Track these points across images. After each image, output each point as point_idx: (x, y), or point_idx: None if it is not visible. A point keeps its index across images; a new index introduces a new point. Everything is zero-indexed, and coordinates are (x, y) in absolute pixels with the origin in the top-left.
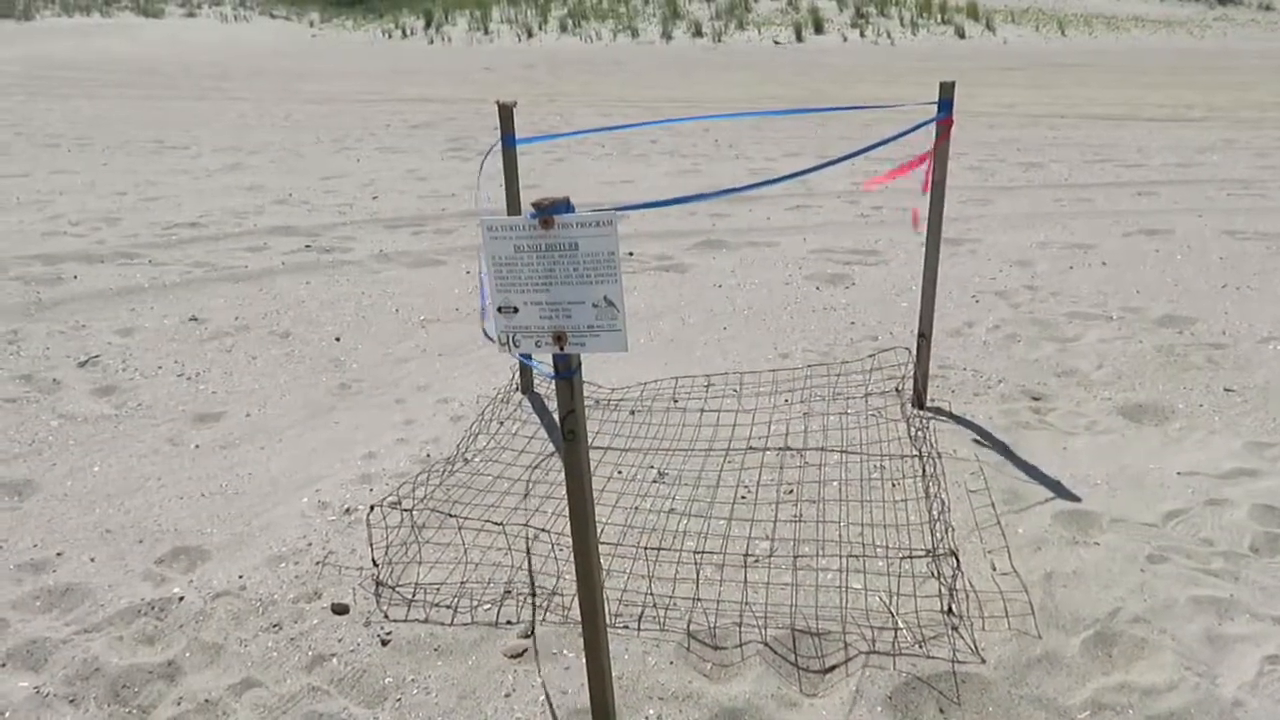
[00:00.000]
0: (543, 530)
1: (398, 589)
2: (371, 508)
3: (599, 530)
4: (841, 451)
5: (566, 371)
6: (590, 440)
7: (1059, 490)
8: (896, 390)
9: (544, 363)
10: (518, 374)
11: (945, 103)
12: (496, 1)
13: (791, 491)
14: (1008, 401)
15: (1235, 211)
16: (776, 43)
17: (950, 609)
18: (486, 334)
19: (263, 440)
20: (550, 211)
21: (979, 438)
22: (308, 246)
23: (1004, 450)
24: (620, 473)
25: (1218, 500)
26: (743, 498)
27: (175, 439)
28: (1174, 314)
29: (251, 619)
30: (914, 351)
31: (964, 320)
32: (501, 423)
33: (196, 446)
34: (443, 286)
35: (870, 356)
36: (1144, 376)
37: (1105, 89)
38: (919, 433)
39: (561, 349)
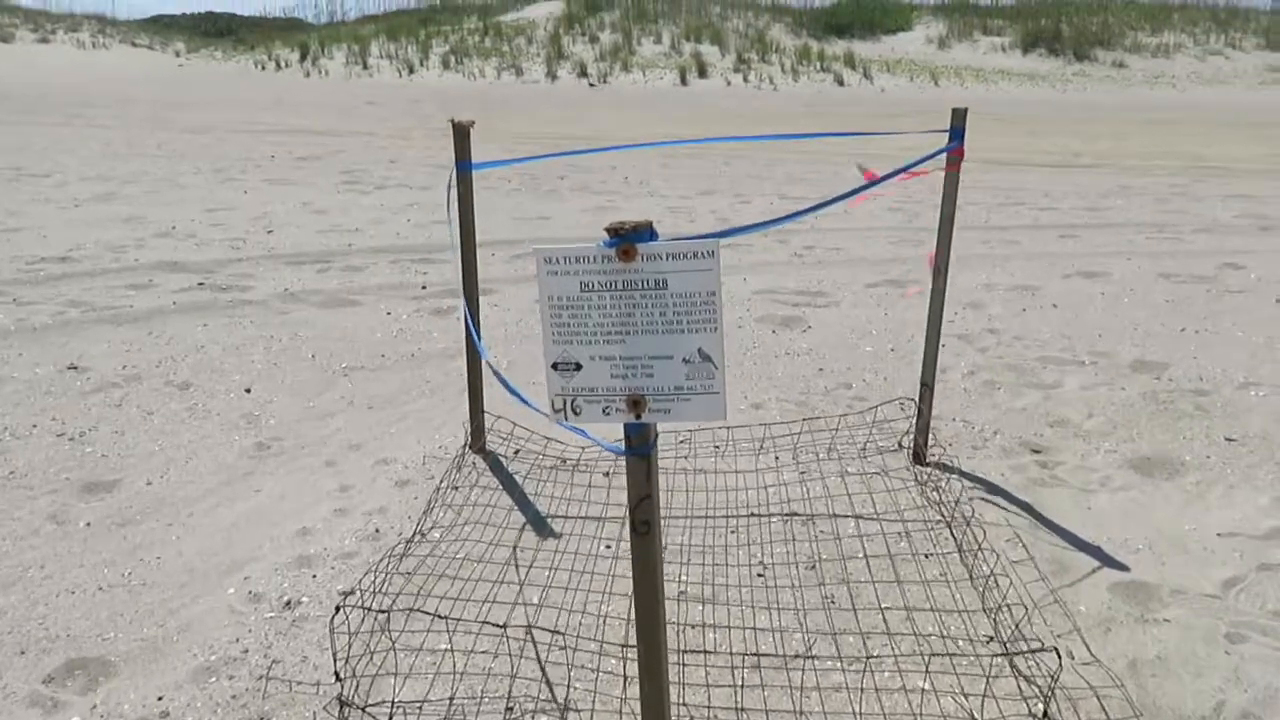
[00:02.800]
0: (555, 632)
1: (369, 710)
2: (337, 609)
3: (600, 624)
4: (856, 518)
5: (642, 447)
6: (563, 508)
7: (1103, 558)
8: (899, 445)
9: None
10: (468, 430)
11: (957, 131)
12: (375, 36)
13: (814, 568)
14: (1011, 456)
15: (1160, 255)
16: (682, 83)
17: (1046, 712)
18: (498, 377)
19: (170, 514)
20: (631, 239)
21: (997, 498)
22: (201, 284)
23: (1029, 511)
24: (609, 548)
25: (1270, 565)
26: (759, 575)
27: (60, 515)
28: (1144, 359)
29: None
30: (913, 403)
31: (938, 367)
32: (457, 488)
33: (87, 524)
34: (361, 329)
35: (872, 409)
36: (1139, 426)
37: (993, 136)
38: (934, 492)
39: (638, 417)
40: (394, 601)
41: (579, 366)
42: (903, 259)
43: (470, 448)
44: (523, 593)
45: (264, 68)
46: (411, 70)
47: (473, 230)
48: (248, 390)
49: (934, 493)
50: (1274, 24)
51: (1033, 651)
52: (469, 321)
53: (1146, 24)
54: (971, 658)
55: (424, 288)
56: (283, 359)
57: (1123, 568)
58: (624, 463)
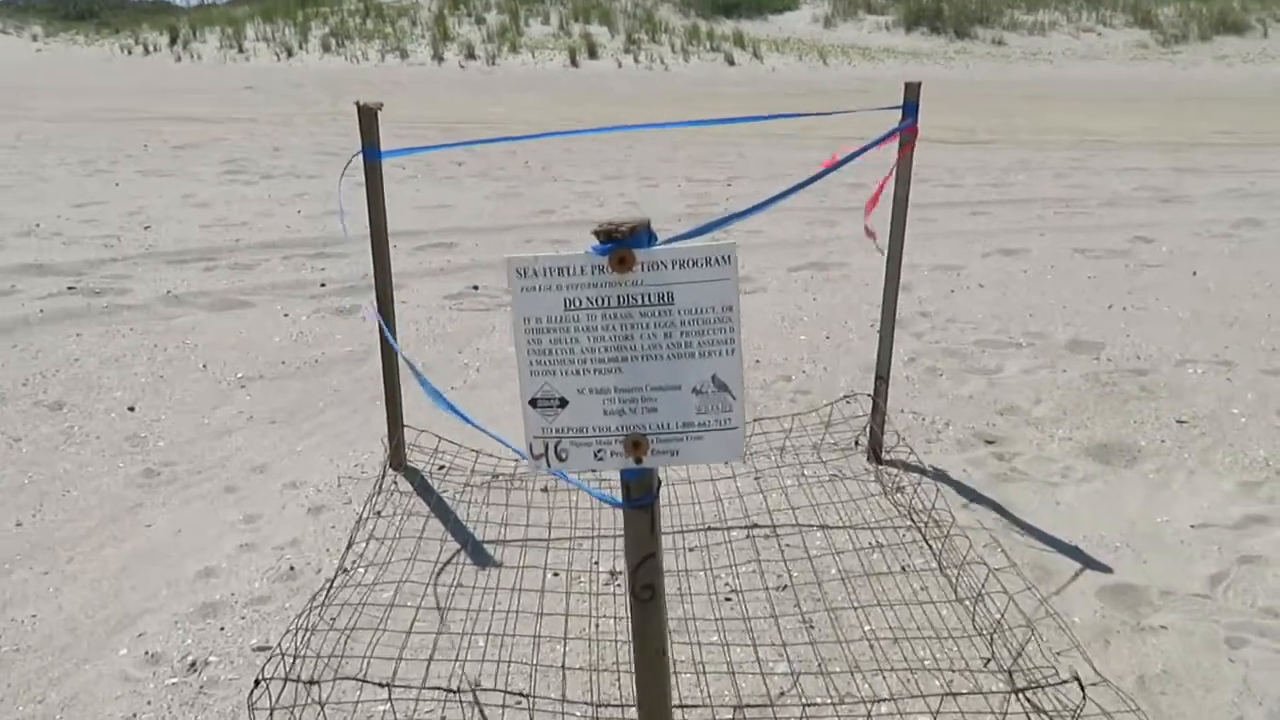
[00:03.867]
0: (510, 693)
1: None
2: (256, 682)
3: (560, 678)
4: (823, 528)
5: (643, 497)
6: (502, 533)
7: (1084, 559)
8: (856, 443)
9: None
10: (387, 446)
11: (910, 106)
12: (250, 18)
13: (784, 588)
14: (967, 449)
15: (1072, 230)
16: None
17: None
18: (433, 392)
19: (46, 561)
20: (628, 243)
21: (964, 499)
22: (71, 288)
23: (999, 511)
24: (557, 575)
25: (1250, 558)
26: (727, 599)
27: None
28: (1079, 339)
29: None
30: (868, 397)
31: (874, 354)
32: (380, 514)
33: None
34: (257, 334)
35: (828, 406)
36: (1089, 411)
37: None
38: (898, 494)
39: (639, 461)
40: (321, 665)
41: (564, 402)
42: (820, 240)
43: (390, 465)
44: (468, 643)
45: (131, 52)
46: (290, 53)
47: (384, 225)
48: (131, 408)
49: (898, 494)
50: (1140, 2)
51: (1052, 685)
52: (386, 331)
53: (1022, 2)
54: (983, 694)
55: (323, 285)
56: (169, 371)
57: (1106, 569)
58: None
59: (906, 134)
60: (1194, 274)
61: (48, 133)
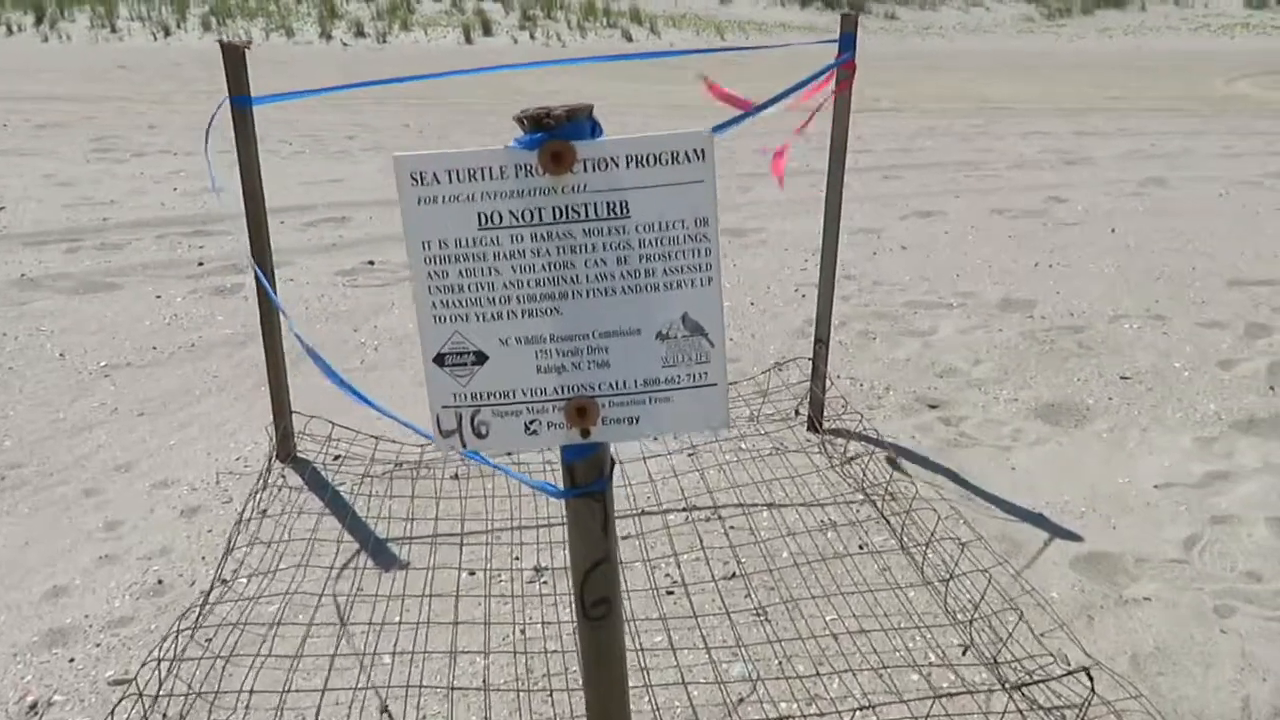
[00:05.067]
0: None
1: None
2: None
3: (483, 698)
4: (769, 507)
5: (594, 482)
6: (408, 529)
7: (1051, 528)
8: (796, 412)
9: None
10: (273, 436)
11: (847, 37)
12: None
13: (734, 576)
14: (910, 415)
15: (986, 192)
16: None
17: None
18: (319, 361)
19: None
20: (563, 133)
21: (917, 467)
22: None
23: (954, 479)
24: (474, 574)
25: (1221, 518)
26: (669, 592)
27: None
28: (1010, 297)
29: None
30: (808, 362)
31: (803, 319)
32: (265, 514)
33: None
34: (125, 318)
35: (762, 374)
36: (1029, 370)
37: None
38: (844, 466)
39: (586, 435)
40: (190, 702)
41: (481, 357)
42: (734, 205)
43: (277, 457)
44: (372, 664)
45: None
46: (168, 32)
47: (259, 180)
48: None
49: (847, 465)
50: None
51: (1056, 678)
52: (265, 284)
53: None
54: (974, 693)
55: (200, 264)
56: (20, 361)
57: (1075, 537)
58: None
59: (844, 69)
60: (1112, 231)
61: None
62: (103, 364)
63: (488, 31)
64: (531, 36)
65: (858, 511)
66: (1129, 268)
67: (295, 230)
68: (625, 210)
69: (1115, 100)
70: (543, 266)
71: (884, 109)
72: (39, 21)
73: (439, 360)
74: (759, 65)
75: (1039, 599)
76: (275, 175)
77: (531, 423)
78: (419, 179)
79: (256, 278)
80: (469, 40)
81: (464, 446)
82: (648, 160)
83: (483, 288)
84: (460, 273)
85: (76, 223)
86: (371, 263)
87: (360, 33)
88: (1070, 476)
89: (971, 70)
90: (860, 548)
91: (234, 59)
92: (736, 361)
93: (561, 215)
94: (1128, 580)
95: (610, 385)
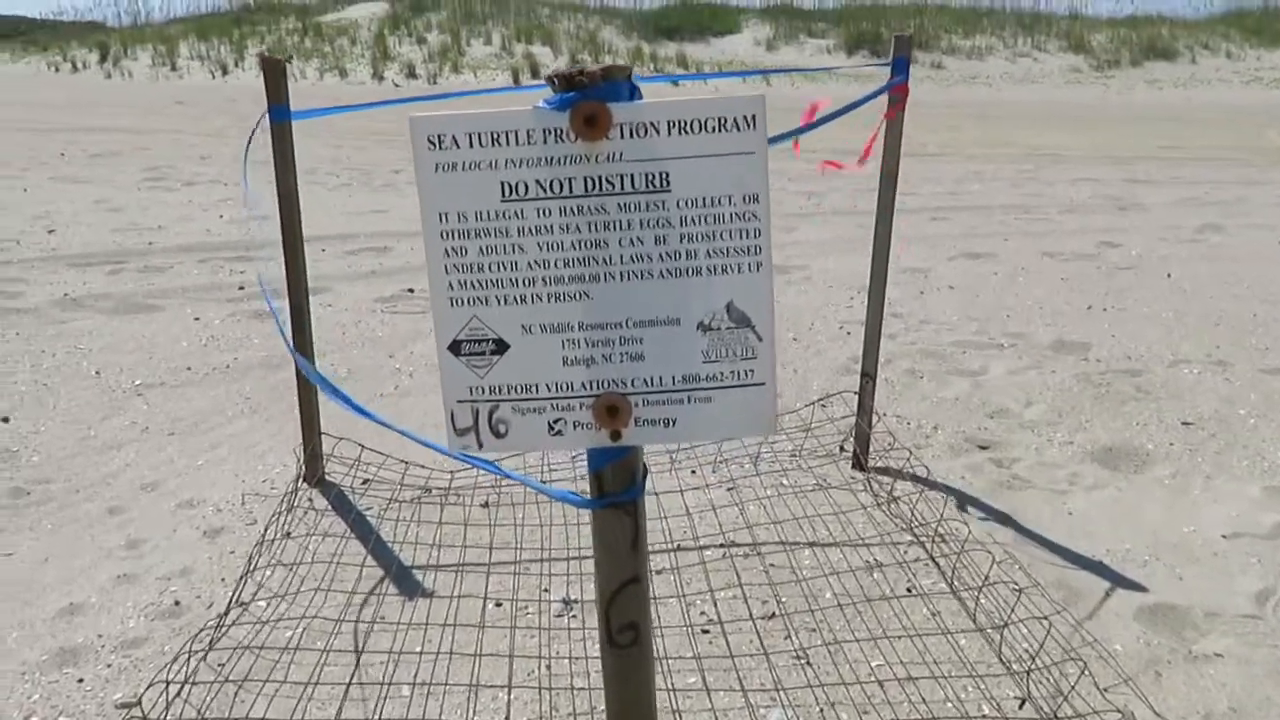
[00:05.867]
0: None
1: None
2: None
3: None
4: (811, 546)
5: (625, 490)
6: (433, 556)
7: (1112, 576)
8: (841, 449)
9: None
10: (302, 456)
11: (900, 62)
12: (184, 36)
13: (773, 616)
14: (960, 455)
15: (1036, 235)
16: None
17: None
18: (304, 370)
19: None
20: (598, 93)
21: (968, 508)
22: None
23: (1008, 523)
24: (500, 606)
25: None
26: (705, 630)
27: None
28: (1063, 339)
29: None
30: (854, 396)
31: (848, 356)
32: (290, 536)
33: None
34: (162, 338)
35: (806, 408)
36: (1085, 413)
37: (840, 129)
38: (891, 504)
39: (616, 438)
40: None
41: (502, 346)
42: (778, 244)
43: (305, 480)
44: (387, 694)
45: (58, 69)
46: (225, 71)
47: (295, 193)
48: (4, 419)
49: (891, 504)
50: (1073, 28)
51: None
52: (264, 290)
53: (959, 27)
54: None
55: (241, 288)
56: (56, 378)
57: (1139, 587)
58: (523, 493)
59: (896, 92)
60: (1168, 276)
61: None
62: (137, 383)
63: (536, 75)
64: None
65: (905, 552)
66: (1187, 312)
67: (336, 258)
68: (665, 183)
69: (1167, 149)
70: (572, 245)
71: (931, 153)
72: (103, 59)
73: (455, 348)
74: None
75: (1102, 651)
76: (320, 205)
77: (556, 421)
78: (436, 143)
79: (260, 282)
80: (517, 82)
81: (480, 447)
82: (692, 127)
83: (505, 267)
84: (480, 250)
85: (122, 246)
86: (411, 290)
87: (412, 74)
88: (1131, 523)
89: (1018, 118)
90: (908, 590)
91: (274, 71)
92: (779, 396)
93: (594, 187)
94: (1197, 635)
95: (645, 381)
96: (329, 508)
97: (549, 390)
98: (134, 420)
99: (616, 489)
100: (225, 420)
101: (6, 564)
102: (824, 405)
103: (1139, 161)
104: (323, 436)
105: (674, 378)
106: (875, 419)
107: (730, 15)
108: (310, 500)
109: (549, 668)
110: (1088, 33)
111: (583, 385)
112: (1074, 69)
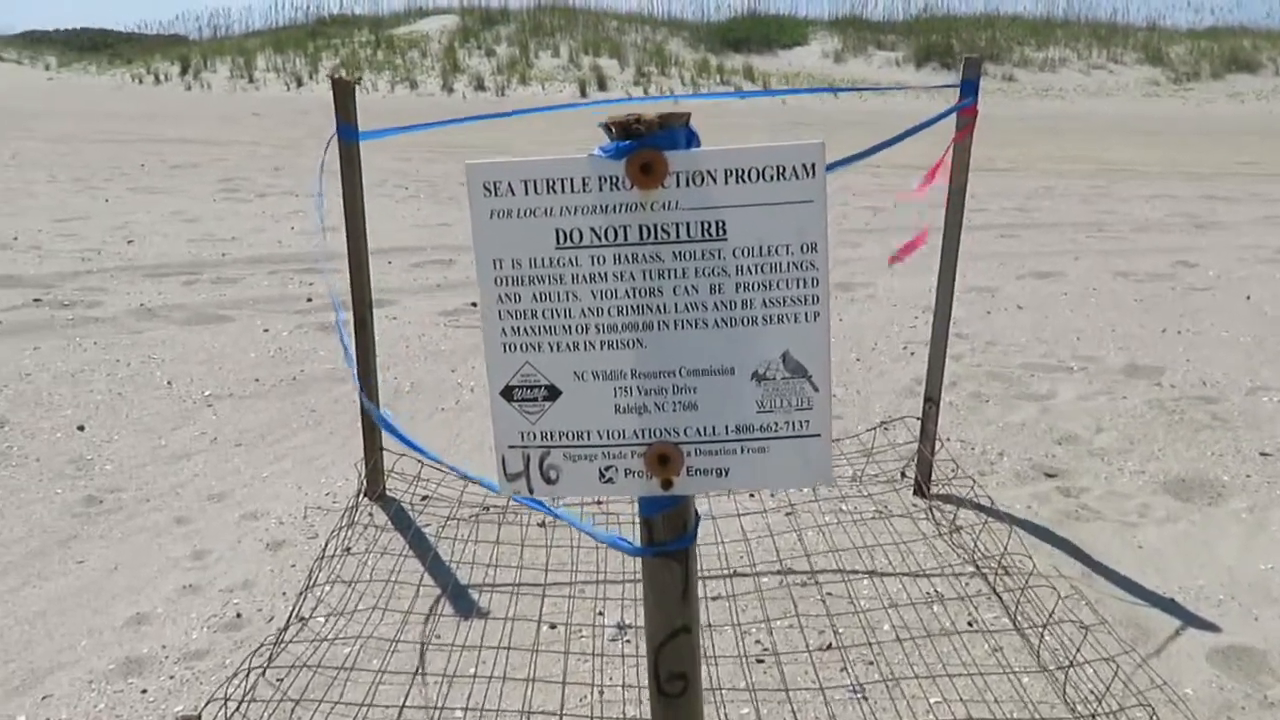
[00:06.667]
0: None
1: None
2: None
3: None
4: (870, 575)
5: (676, 539)
6: (490, 575)
7: (1184, 615)
8: (902, 474)
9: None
10: (363, 471)
11: (969, 84)
12: (261, 49)
13: (830, 648)
14: (1026, 483)
15: (1109, 253)
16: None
17: None
18: (366, 409)
19: None
20: (655, 141)
21: (1034, 539)
22: (37, 301)
23: (1075, 555)
24: (554, 629)
25: None
26: (759, 660)
27: None
28: (1136, 363)
29: None
30: (916, 421)
31: (911, 377)
32: (350, 551)
33: None
34: (232, 349)
35: (867, 432)
36: (1157, 442)
37: (907, 143)
38: (954, 534)
39: (668, 487)
40: None
41: (554, 392)
42: (843, 261)
43: (366, 495)
44: (440, 718)
45: (141, 81)
46: (300, 83)
47: (362, 212)
48: (80, 428)
49: (954, 534)
50: (1150, 39)
51: None
52: (336, 304)
53: (1032, 39)
54: None
55: (309, 300)
56: (130, 388)
57: (1212, 627)
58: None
59: (965, 115)
60: (1247, 298)
61: (44, 152)
62: (207, 393)
63: (603, 87)
64: (645, 92)
65: (967, 585)
66: (1267, 337)
67: (403, 270)
68: (722, 231)
69: (1246, 165)
70: (626, 292)
71: (1000, 168)
72: (184, 71)
73: (507, 394)
74: (880, 129)
75: (1171, 694)
76: (388, 217)
77: (607, 469)
78: (492, 189)
79: (333, 301)
80: (584, 95)
81: (530, 492)
82: (750, 175)
83: (558, 314)
84: (534, 296)
85: (197, 257)
86: (474, 304)
87: (480, 86)
88: (1205, 559)
89: (1092, 132)
90: (969, 625)
91: (343, 92)
92: (839, 419)
93: (649, 235)
94: (1273, 680)
95: (697, 431)
96: (389, 523)
97: (600, 438)
98: (203, 430)
99: (668, 537)
100: (290, 432)
101: (79, 571)
102: (886, 429)
103: (1217, 178)
104: (384, 452)
105: (727, 427)
106: (938, 445)
107: (798, 27)
108: (370, 515)
109: (602, 694)
110: (1165, 44)
111: (635, 434)
112: (1151, 81)
